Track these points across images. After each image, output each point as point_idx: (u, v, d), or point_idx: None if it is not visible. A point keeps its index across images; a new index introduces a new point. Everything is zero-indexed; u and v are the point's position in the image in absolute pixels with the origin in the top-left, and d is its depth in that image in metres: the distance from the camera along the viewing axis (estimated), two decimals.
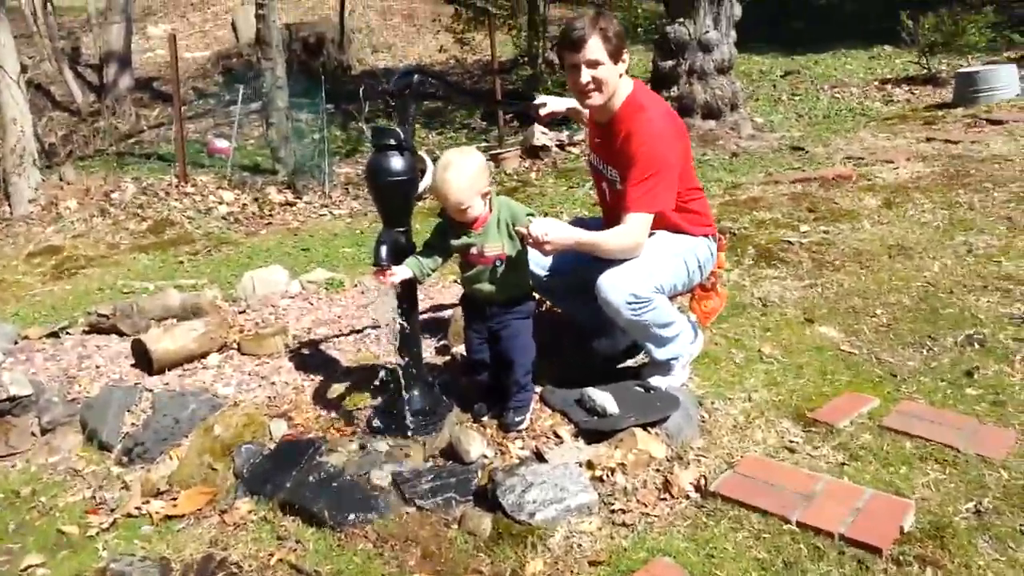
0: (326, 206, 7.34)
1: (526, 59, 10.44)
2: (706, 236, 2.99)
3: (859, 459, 2.51)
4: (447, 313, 3.78)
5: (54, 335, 4.08)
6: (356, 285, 4.55)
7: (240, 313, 4.15)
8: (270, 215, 7.17)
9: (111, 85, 13.33)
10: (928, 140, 6.72)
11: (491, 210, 2.59)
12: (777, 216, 4.94)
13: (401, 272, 2.57)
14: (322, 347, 3.59)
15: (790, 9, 15.76)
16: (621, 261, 2.72)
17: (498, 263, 2.59)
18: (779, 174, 6.26)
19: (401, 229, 2.66)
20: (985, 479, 2.36)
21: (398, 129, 2.58)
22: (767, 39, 13.16)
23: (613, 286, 2.67)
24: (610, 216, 2.99)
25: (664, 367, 2.95)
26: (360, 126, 10.50)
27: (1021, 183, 5.11)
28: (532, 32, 10.43)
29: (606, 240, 2.69)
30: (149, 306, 4.18)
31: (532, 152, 8.25)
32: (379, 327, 3.77)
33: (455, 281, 4.18)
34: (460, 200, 2.49)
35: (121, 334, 3.96)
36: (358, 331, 3.76)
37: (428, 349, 3.40)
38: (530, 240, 2.51)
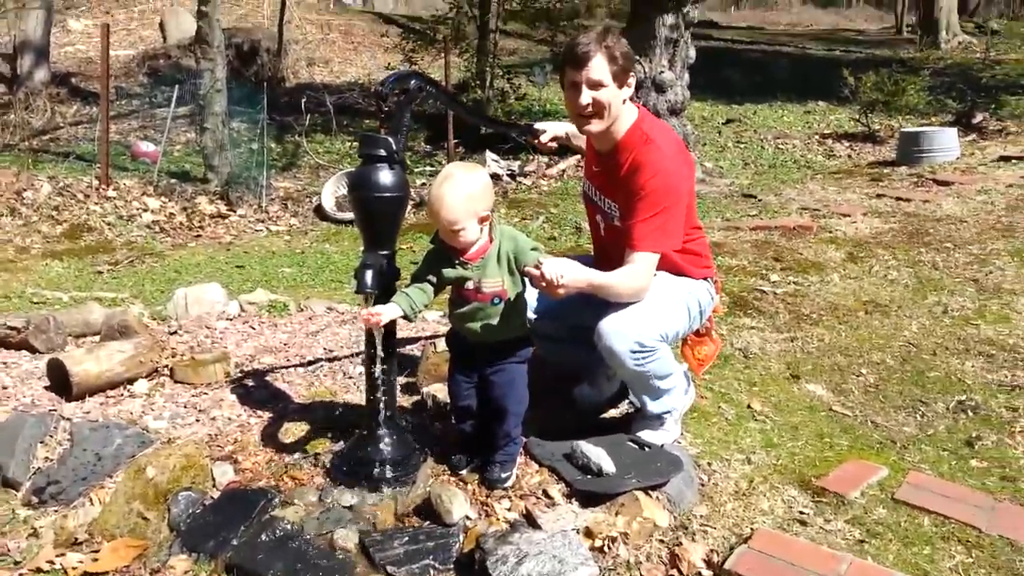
0: (262, 221, 6.90)
1: (477, 83, 10.22)
2: (706, 278, 2.78)
3: (878, 536, 2.30)
4: (414, 348, 3.45)
5: None
6: (303, 309, 4.17)
7: (171, 334, 3.73)
8: (200, 227, 6.68)
9: (25, 77, 12.46)
10: (879, 196, 6.77)
11: (491, 240, 2.30)
12: (744, 263, 4.81)
13: (389, 312, 2.24)
14: (268, 378, 3.21)
15: (725, 59, 16.08)
16: (622, 305, 2.48)
17: (496, 301, 2.30)
18: (737, 220, 6.18)
19: (386, 252, 2.35)
20: (1016, 565, 2.18)
21: (389, 139, 2.28)
22: (703, 86, 13.31)
23: (617, 333, 2.41)
24: (604, 252, 2.75)
25: (656, 421, 2.71)
26: (297, 139, 10.05)
27: (979, 245, 5.13)
28: (483, 57, 10.24)
29: (618, 282, 2.44)
30: (68, 320, 3.72)
31: None
32: (334, 359, 3.43)
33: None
34: (452, 219, 2.19)
35: (33, 351, 3.49)
36: (309, 362, 3.40)
37: None
38: (542, 283, 2.24)
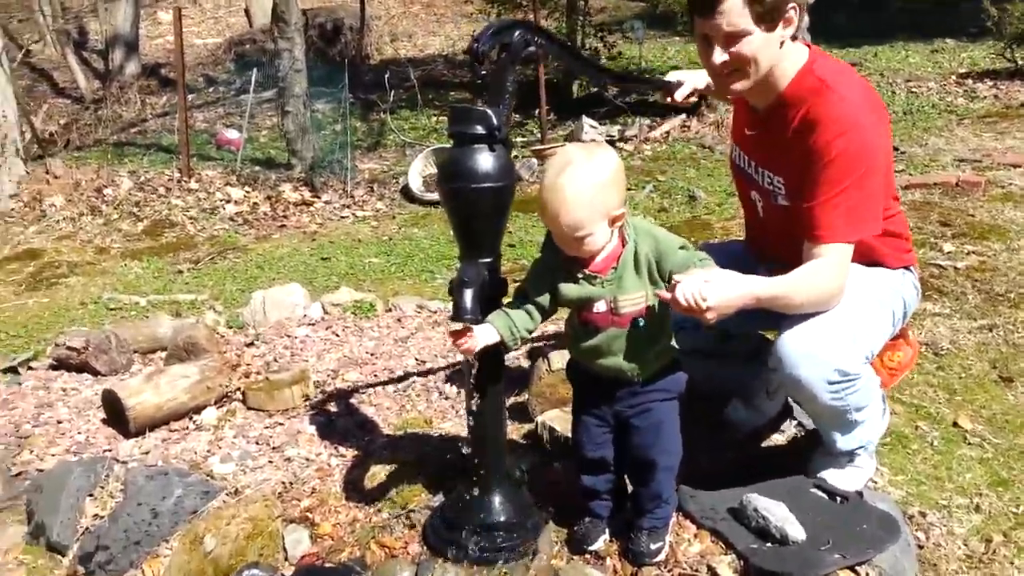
0: (348, 207, 6.45)
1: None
2: (907, 267, 2.10)
3: None
4: (523, 357, 2.89)
5: (12, 371, 3.22)
6: (391, 309, 3.67)
7: (248, 346, 3.28)
8: (284, 216, 6.28)
9: (117, 71, 12.48)
10: None
11: (623, 243, 1.69)
12: None
13: (484, 336, 1.67)
14: (353, 401, 2.72)
15: (830, 1, 14.80)
16: (806, 314, 1.83)
17: (638, 323, 1.69)
18: None
19: (487, 259, 1.76)
20: None
21: (489, 111, 1.68)
22: (811, 32, 12.20)
23: (809, 357, 1.77)
24: (763, 240, 2.11)
25: (843, 457, 2.06)
26: (383, 117, 9.61)
27: None
28: (574, 15, 9.51)
29: (800, 288, 1.79)
30: (133, 336, 3.33)
31: None
32: (427, 372, 2.91)
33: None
34: (576, 222, 1.58)
35: (96, 373, 3.10)
36: (399, 378, 2.89)
37: None
38: (680, 308, 1.59)
